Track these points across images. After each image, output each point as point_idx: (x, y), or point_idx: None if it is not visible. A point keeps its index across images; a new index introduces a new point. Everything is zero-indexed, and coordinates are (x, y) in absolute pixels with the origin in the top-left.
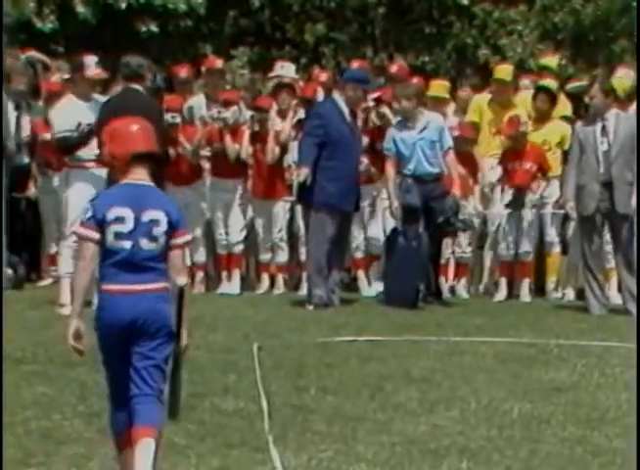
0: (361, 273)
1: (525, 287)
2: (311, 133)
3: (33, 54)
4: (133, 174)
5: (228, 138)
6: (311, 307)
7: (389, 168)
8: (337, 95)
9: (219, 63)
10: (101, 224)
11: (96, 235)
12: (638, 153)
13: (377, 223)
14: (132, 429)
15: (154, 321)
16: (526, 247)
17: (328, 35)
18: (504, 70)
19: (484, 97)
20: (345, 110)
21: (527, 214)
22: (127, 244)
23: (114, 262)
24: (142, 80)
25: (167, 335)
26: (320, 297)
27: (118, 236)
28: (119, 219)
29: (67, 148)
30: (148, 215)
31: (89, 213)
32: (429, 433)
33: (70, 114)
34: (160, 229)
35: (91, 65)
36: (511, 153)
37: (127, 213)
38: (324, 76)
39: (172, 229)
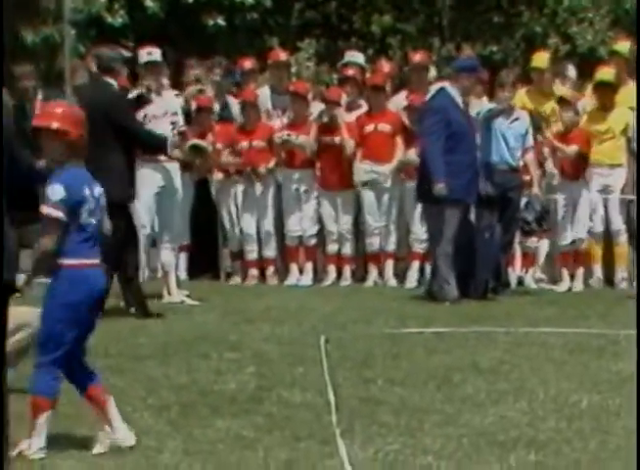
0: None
1: (580, 276)
2: (435, 132)
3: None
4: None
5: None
6: (447, 303)
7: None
8: (448, 86)
9: (284, 55)
10: (75, 205)
11: (65, 216)
12: (638, 150)
13: None
14: (95, 388)
15: (104, 293)
16: (581, 233)
17: (395, 26)
18: (540, 58)
19: (522, 90)
20: (460, 101)
21: (582, 202)
22: (94, 220)
23: (85, 239)
24: (114, 74)
25: None
26: (454, 291)
27: (89, 213)
28: (88, 198)
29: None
30: (97, 191)
31: (60, 196)
32: (496, 424)
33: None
34: (104, 201)
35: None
36: (559, 137)
37: (88, 192)
38: (388, 67)
39: None
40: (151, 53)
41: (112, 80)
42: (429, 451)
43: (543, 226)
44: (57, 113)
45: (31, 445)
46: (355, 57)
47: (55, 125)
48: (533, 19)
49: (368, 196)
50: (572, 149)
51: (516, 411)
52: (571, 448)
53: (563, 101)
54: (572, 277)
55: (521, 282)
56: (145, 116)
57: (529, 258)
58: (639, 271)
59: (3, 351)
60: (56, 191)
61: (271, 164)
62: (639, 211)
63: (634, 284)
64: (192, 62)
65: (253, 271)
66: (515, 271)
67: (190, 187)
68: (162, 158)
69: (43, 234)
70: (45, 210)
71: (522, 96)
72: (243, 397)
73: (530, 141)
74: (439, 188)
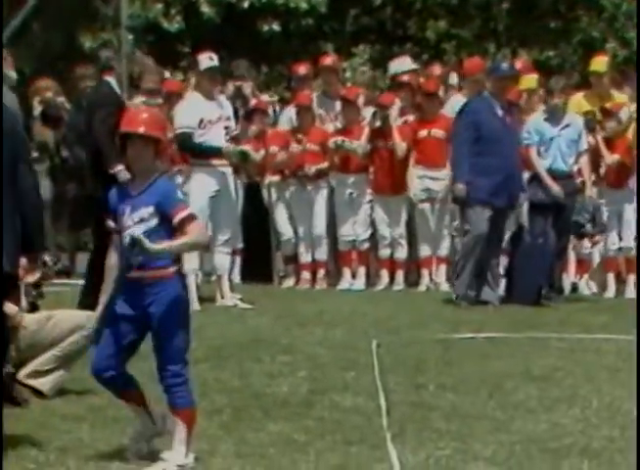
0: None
1: (631, 283)
2: (463, 133)
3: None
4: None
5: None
6: (464, 304)
7: (536, 157)
8: (486, 91)
9: (330, 60)
10: None
11: None
12: (638, 152)
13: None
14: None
15: None
16: (628, 242)
17: (450, 32)
18: (599, 62)
19: (580, 94)
20: (496, 104)
21: (627, 209)
22: None
23: None
24: (112, 72)
25: None
26: (470, 294)
27: None
28: None
29: (185, 144)
30: None
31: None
32: (549, 432)
33: (193, 111)
34: None
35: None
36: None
37: None
38: (438, 71)
39: None
40: (212, 58)
41: (110, 79)
42: (480, 458)
43: (597, 228)
44: (146, 118)
45: (180, 455)
46: (402, 65)
47: (151, 132)
48: (592, 24)
49: (422, 205)
50: (614, 158)
51: (569, 419)
52: (623, 457)
53: (605, 111)
54: (624, 283)
55: (575, 288)
56: (201, 121)
57: (584, 264)
58: (639, 275)
59: (2, 344)
60: (181, 195)
61: (321, 165)
62: (639, 212)
63: None
64: (236, 63)
65: (306, 274)
66: (569, 277)
67: (240, 190)
68: (217, 161)
69: (194, 234)
70: (187, 211)
71: (579, 100)
72: (295, 400)
73: (584, 145)
74: (459, 189)
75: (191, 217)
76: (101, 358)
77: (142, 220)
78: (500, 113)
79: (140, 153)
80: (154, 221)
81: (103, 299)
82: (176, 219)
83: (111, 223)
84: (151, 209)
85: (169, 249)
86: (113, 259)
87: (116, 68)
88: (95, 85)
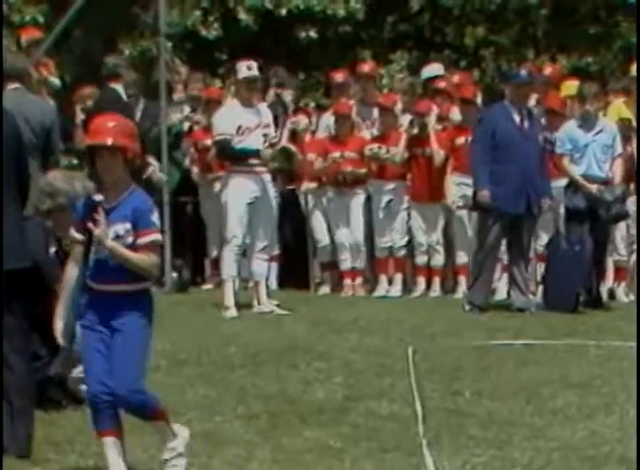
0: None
1: None
2: (481, 140)
3: None
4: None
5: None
6: (468, 307)
7: (570, 165)
8: (505, 98)
9: (367, 67)
10: None
11: None
12: (638, 153)
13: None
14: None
15: None
16: None
17: (488, 38)
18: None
19: (620, 100)
20: (513, 111)
21: None
22: None
23: None
24: (119, 79)
25: None
26: (478, 299)
27: None
28: None
29: (224, 151)
30: None
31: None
32: (587, 439)
33: (231, 118)
34: None
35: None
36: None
37: None
38: (457, 78)
39: None
40: (250, 68)
41: (117, 86)
42: (517, 465)
43: (622, 212)
44: (113, 127)
45: (175, 442)
46: (433, 71)
47: (119, 142)
48: (632, 29)
49: (460, 212)
50: None
51: (607, 427)
52: None
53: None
54: None
55: (612, 295)
56: (239, 127)
57: (621, 271)
58: (639, 277)
59: (2, 338)
60: (157, 216)
61: (358, 170)
62: (639, 212)
63: None
64: (274, 70)
65: (347, 281)
66: (606, 284)
67: (276, 197)
68: (257, 168)
69: (152, 261)
70: (157, 236)
71: (619, 106)
72: (331, 407)
73: (619, 149)
74: (482, 195)
75: (155, 244)
76: (97, 378)
77: (118, 237)
78: (517, 120)
79: (109, 164)
80: (130, 239)
81: (60, 312)
82: (141, 240)
83: (75, 234)
84: (127, 225)
85: (122, 254)
86: (72, 272)
87: (125, 75)
88: (101, 92)
